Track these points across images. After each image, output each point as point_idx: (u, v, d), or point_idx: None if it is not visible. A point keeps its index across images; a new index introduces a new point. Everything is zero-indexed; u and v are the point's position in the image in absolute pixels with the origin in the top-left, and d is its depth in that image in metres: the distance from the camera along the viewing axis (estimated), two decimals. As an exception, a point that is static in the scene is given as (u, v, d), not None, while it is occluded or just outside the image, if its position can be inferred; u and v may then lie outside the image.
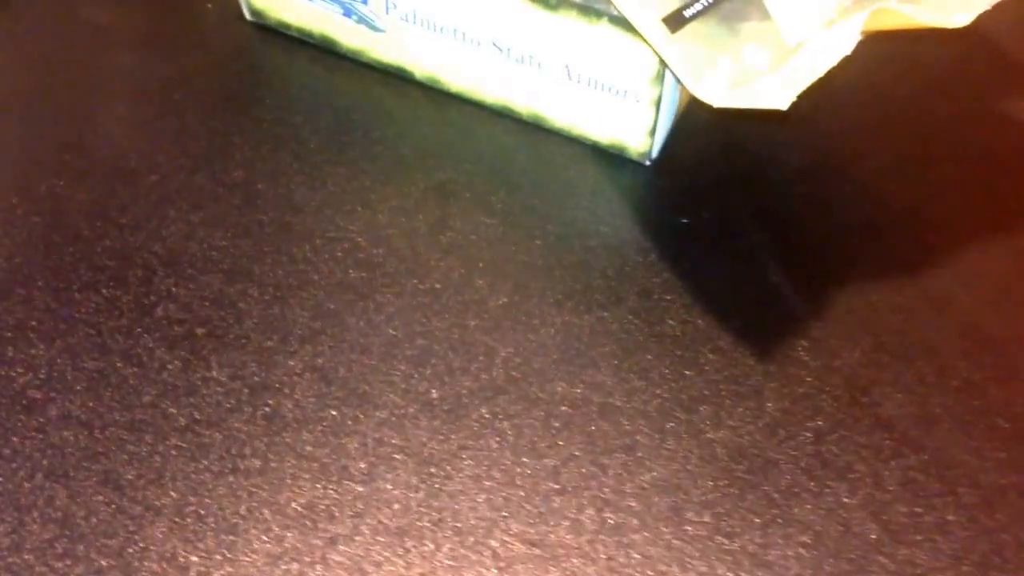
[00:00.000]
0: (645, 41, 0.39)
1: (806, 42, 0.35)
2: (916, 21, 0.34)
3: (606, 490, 0.35)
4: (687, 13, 0.36)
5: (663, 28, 0.36)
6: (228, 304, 0.40)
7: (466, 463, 0.36)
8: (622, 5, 0.37)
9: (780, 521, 0.35)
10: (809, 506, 0.35)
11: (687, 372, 0.38)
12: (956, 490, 0.36)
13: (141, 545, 0.35)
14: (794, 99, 0.34)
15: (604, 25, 0.40)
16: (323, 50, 0.48)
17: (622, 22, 0.39)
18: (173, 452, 0.37)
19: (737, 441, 0.36)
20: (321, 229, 0.42)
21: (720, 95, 0.35)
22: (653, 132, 0.42)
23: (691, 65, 0.36)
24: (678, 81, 0.41)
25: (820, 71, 0.34)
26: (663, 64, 0.39)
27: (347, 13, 0.47)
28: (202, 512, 0.35)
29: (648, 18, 0.37)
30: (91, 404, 0.38)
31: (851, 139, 0.45)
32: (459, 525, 0.35)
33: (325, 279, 0.41)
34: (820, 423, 0.37)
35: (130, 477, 0.36)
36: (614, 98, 0.42)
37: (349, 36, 0.47)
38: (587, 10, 0.40)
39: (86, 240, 0.42)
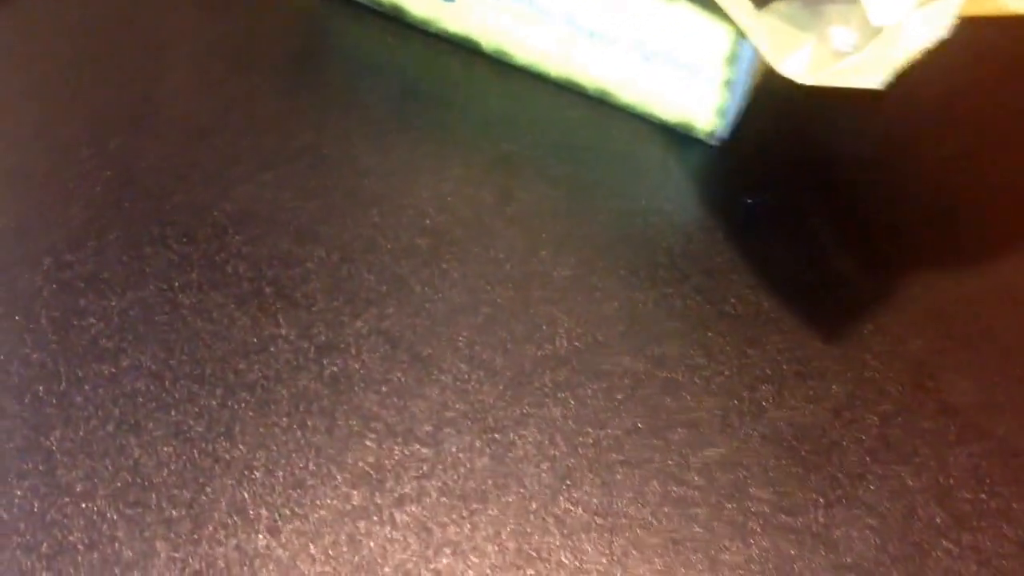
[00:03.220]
0: (726, 18, 0.39)
1: (896, 23, 0.35)
2: (1012, 8, 0.34)
3: (669, 464, 0.36)
4: (774, -10, 0.36)
5: (749, 5, 0.36)
6: (296, 264, 0.41)
7: (530, 431, 0.37)
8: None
9: (844, 501, 0.35)
10: (873, 488, 0.36)
11: (750, 351, 0.38)
12: (1021, 478, 0.36)
13: (211, 497, 0.35)
14: (889, 80, 0.34)
15: (682, 3, 0.40)
16: (390, 18, 0.48)
17: (700, 0, 0.39)
18: (242, 407, 0.37)
19: (801, 421, 0.37)
20: (387, 195, 0.42)
21: (807, 74, 0.35)
22: (722, 112, 0.43)
23: (776, 43, 0.36)
24: (753, 61, 0.41)
25: (914, 52, 0.34)
26: (738, 43, 0.40)
27: (419, -18, 0.47)
28: (271, 467, 0.36)
29: (735, -5, 0.37)
30: (162, 356, 0.38)
31: (921, 125, 0.45)
32: (523, 491, 0.35)
33: (391, 244, 0.41)
34: (885, 407, 0.37)
35: (200, 430, 0.37)
36: (685, 76, 0.42)
37: (418, 5, 0.48)
38: (665, -13, 0.40)
39: (156, 196, 0.42)
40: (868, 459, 0.36)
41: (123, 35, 0.48)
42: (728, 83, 0.42)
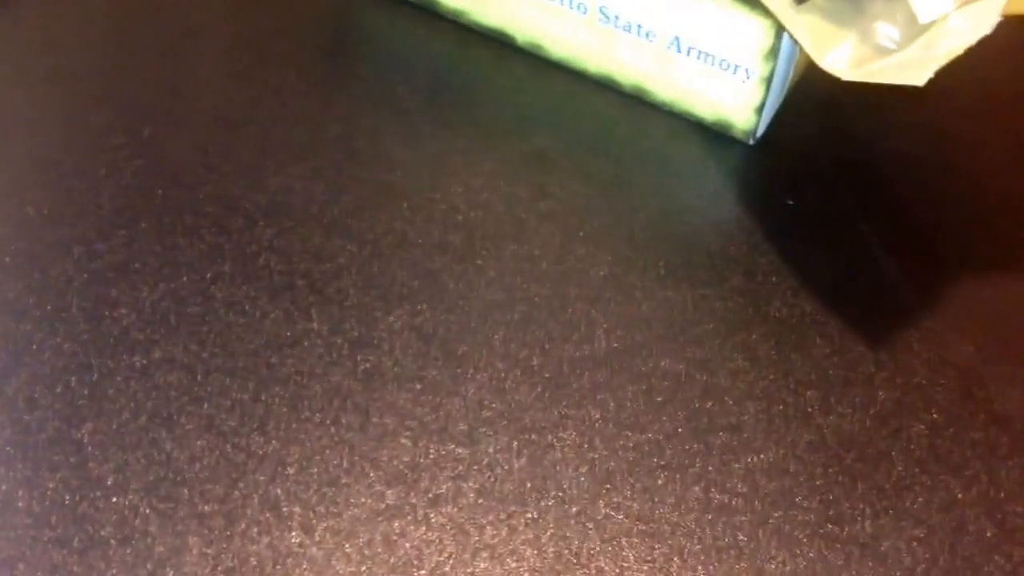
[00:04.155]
0: (764, 13, 0.38)
1: (940, 20, 0.35)
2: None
3: (711, 469, 0.35)
4: (816, -15, 0.36)
5: (789, 0, 0.36)
6: (328, 258, 0.40)
7: (568, 433, 0.36)
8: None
9: (892, 512, 0.35)
10: (922, 499, 0.35)
11: (794, 356, 0.38)
12: (1070, 492, 0.36)
13: (244, 493, 0.35)
14: (931, 77, 0.33)
15: (722, -2, 0.40)
16: (422, 9, 0.48)
17: (741, -5, 0.39)
18: (275, 402, 0.36)
19: (847, 429, 0.36)
20: (419, 189, 0.42)
21: (849, 70, 0.35)
22: (761, 110, 0.42)
23: (818, 39, 0.35)
24: (792, 57, 0.41)
25: (958, 50, 0.34)
26: (777, 39, 0.39)
27: (453, -27, 0.46)
28: (304, 464, 0.35)
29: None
30: (194, 349, 0.38)
31: (966, 127, 0.45)
32: (562, 495, 0.35)
33: (423, 239, 0.41)
34: (933, 416, 0.36)
35: (232, 424, 0.36)
36: (723, 73, 0.42)
37: (452, -3, 0.47)
38: (706, -18, 0.40)
39: (188, 186, 0.42)
40: (916, 470, 0.35)
41: (155, 23, 0.47)
42: (766, 80, 0.41)
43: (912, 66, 0.34)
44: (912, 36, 0.35)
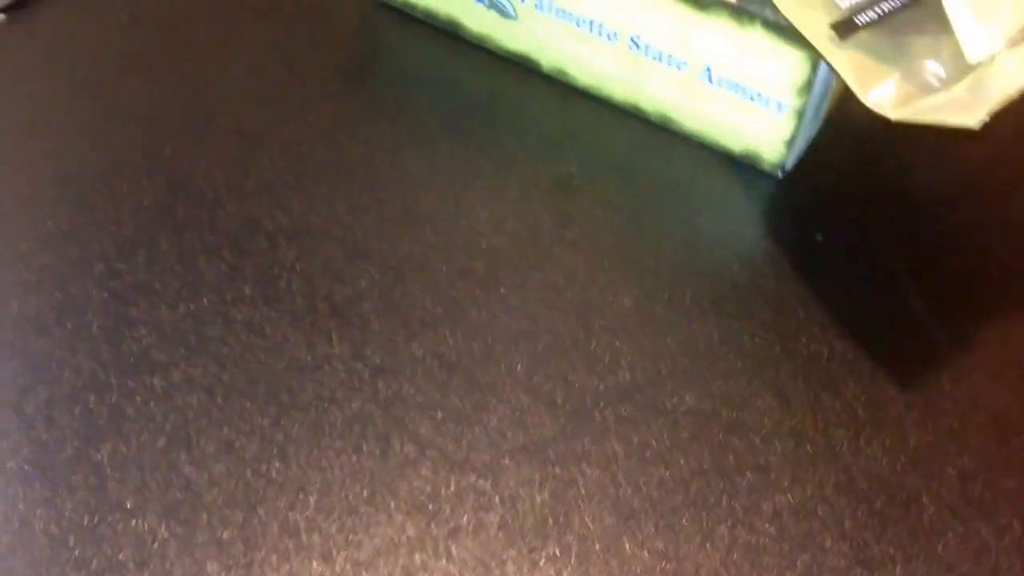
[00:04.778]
0: (801, 45, 0.38)
1: (988, 60, 0.34)
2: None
3: (737, 508, 0.35)
4: (859, 20, 0.36)
5: (832, 34, 0.36)
6: (350, 281, 0.40)
7: (591, 467, 0.36)
8: (786, 8, 0.36)
9: (923, 558, 0.34)
10: (954, 545, 0.35)
11: (823, 395, 0.37)
12: (1103, 541, 0.35)
13: (263, 519, 0.34)
14: (986, 119, 0.33)
15: (756, 29, 0.39)
16: (445, 33, 0.47)
17: (775, 27, 0.39)
18: (295, 427, 0.36)
19: (877, 472, 0.36)
20: (441, 214, 0.41)
21: (893, 108, 0.34)
22: (791, 143, 0.42)
23: (862, 75, 0.35)
24: (826, 90, 0.40)
25: (1011, 92, 0.33)
26: (814, 72, 0.39)
27: (479, -2, 0.46)
28: (324, 491, 0.35)
29: (816, 23, 0.36)
30: (214, 371, 0.37)
31: (996, 168, 0.44)
32: (585, 531, 0.34)
33: (446, 265, 0.40)
34: (965, 460, 0.36)
35: (252, 448, 0.36)
36: (754, 105, 0.41)
37: (477, 21, 0.47)
38: (740, 12, 0.39)
39: (209, 205, 0.41)
40: (948, 515, 0.35)
41: (179, 41, 0.47)
42: (799, 112, 0.41)
43: (962, 106, 0.34)
44: (959, 74, 0.35)
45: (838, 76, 0.36)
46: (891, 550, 0.34)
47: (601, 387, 0.37)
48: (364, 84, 0.46)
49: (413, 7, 0.48)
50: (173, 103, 0.44)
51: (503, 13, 0.45)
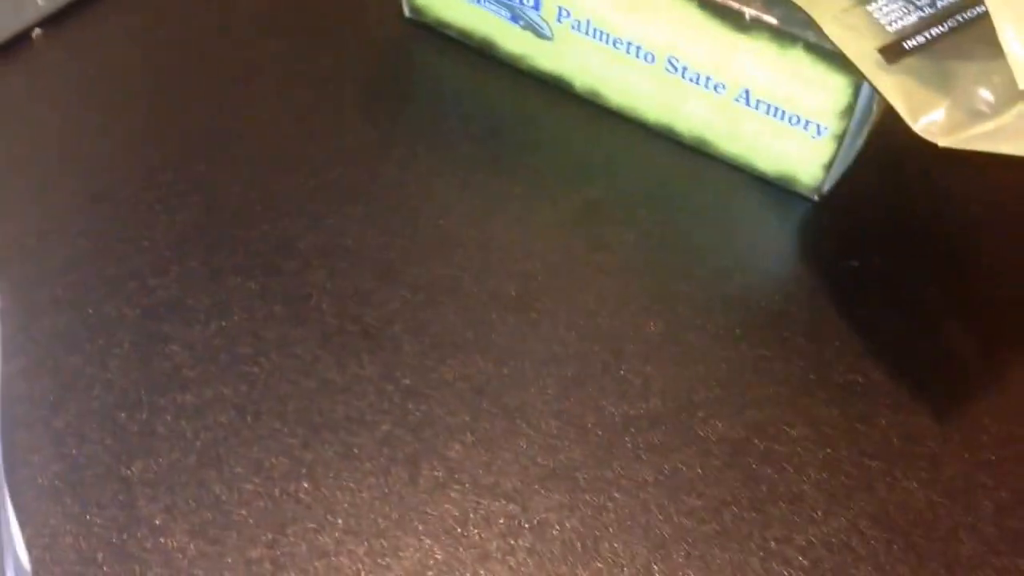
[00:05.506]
0: (847, 69, 0.38)
1: None
2: None
3: (770, 540, 0.34)
4: (907, 45, 0.35)
5: (879, 58, 0.35)
6: (380, 304, 0.40)
7: (621, 494, 0.35)
8: (832, 31, 0.36)
9: (961, 594, 0.34)
10: (991, 581, 0.34)
11: (858, 425, 0.37)
12: None
13: (292, 540, 0.34)
14: None
15: (798, 51, 0.39)
16: (478, 53, 0.47)
17: (817, 50, 0.38)
18: (324, 448, 0.36)
19: (913, 504, 0.35)
20: (473, 237, 0.41)
21: (943, 136, 0.34)
22: (829, 167, 0.41)
23: (910, 101, 0.35)
24: (867, 114, 0.40)
25: None
26: (856, 96, 0.38)
27: (514, 19, 0.46)
28: (353, 514, 0.35)
29: (862, 46, 0.36)
30: (244, 390, 0.37)
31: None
32: (614, 558, 0.34)
33: (477, 288, 0.40)
34: (1003, 494, 0.36)
35: (282, 469, 0.36)
36: (793, 128, 0.41)
37: (511, 42, 0.47)
38: (782, 34, 0.39)
39: (241, 224, 0.41)
40: (985, 549, 0.35)
41: (211, 60, 0.47)
42: (839, 136, 0.40)
43: (1013, 134, 0.33)
44: (1008, 101, 0.35)
45: (884, 101, 0.35)
46: (927, 585, 0.34)
47: (632, 413, 0.37)
48: (396, 104, 0.46)
49: (447, 26, 0.48)
50: (206, 122, 0.45)
51: (539, 34, 0.45)
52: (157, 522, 0.34)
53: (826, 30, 0.36)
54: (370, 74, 0.47)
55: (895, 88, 0.35)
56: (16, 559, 0.30)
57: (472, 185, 0.43)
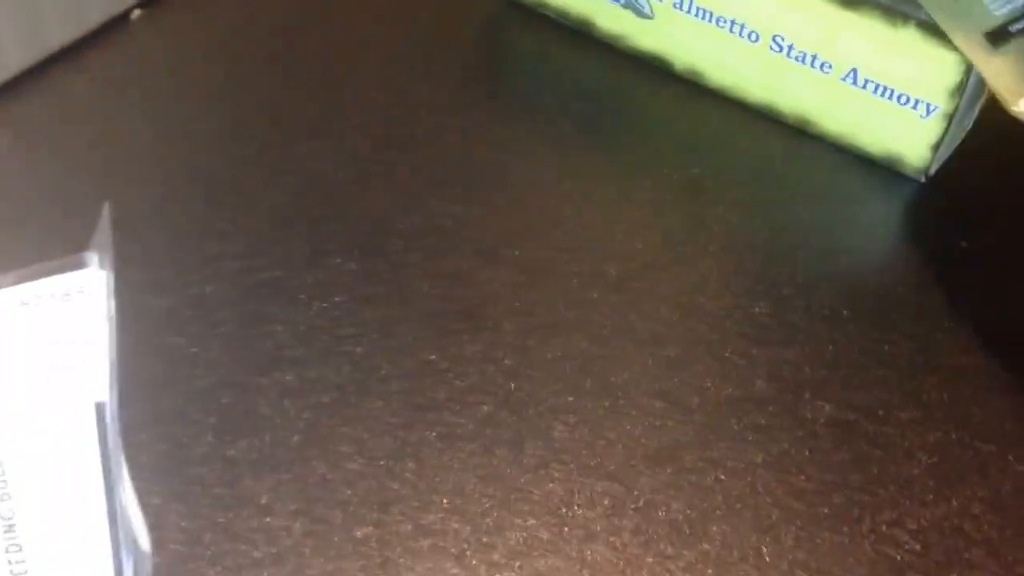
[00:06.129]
0: (958, 52, 0.37)
1: None
2: None
3: (880, 523, 0.34)
4: (1013, 28, 0.34)
5: (984, 41, 0.34)
6: (480, 284, 0.39)
7: (728, 475, 0.35)
8: (938, 15, 0.35)
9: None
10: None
11: (969, 408, 0.36)
12: None
13: (397, 519, 0.34)
14: None
15: (910, 30, 0.38)
16: (575, 32, 0.47)
17: (930, 28, 0.37)
18: (427, 428, 0.36)
19: (1030, 488, 0.34)
20: (572, 216, 0.41)
21: None
22: (938, 147, 0.40)
23: (1011, 83, 0.34)
24: (977, 94, 0.39)
25: None
26: (967, 74, 0.38)
27: (614, -2, 0.45)
28: (456, 492, 0.35)
29: (968, 30, 0.35)
30: (347, 370, 0.37)
31: None
32: (721, 539, 0.34)
33: (577, 268, 0.40)
34: None
35: (385, 449, 0.35)
36: (901, 108, 0.40)
37: (610, 20, 0.46)
38: (892, 12, 0.38)
39: (342, 204, 0.41)
40: (1105, 535, 0.34)
41: (309, 41, 0.47)
42: (948, 116, 0.40)
43: None
44: None
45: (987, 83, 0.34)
46: (1047, 570, 0.33)
47: (736, 394, 0.37)
48: (495, 85, 0.45)
49: (545, 6, 0.48)
50: (305, 102, 0.45)
51: (639, 12, 0.45)
52: (263, 501, 0.34)
53: (931, 12, 0.36)
54: (468, 55, 0.47)
55: (995, 69, 0.34)
56: (135, 543, 0.30)
57: (571, 165, 0.43)
